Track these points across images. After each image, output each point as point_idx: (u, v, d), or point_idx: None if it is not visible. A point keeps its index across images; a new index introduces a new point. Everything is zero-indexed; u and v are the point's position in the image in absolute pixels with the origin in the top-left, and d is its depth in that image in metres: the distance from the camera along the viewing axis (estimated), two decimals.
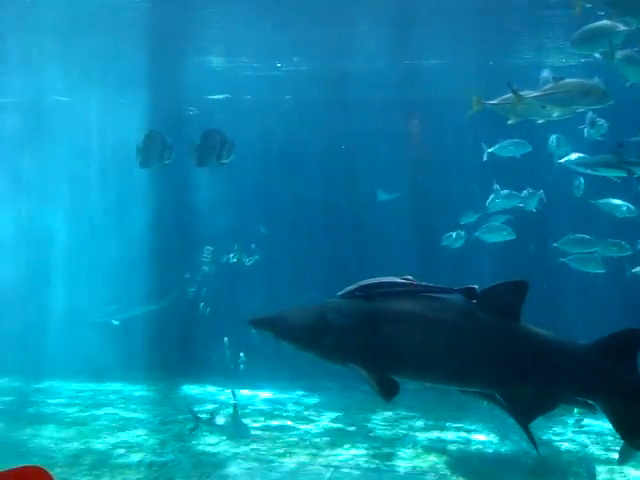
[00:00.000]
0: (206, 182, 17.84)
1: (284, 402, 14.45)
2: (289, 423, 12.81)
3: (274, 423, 12.79)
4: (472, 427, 12.38)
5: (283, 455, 10.84)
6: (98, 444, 11.45)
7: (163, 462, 10.40)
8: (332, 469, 10.15)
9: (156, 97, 17.98)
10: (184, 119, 18.77)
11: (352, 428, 12.47)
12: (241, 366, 15.22)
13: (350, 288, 5.31)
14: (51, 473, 1.92)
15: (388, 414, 13.29)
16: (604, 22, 8.44)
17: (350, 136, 17.88)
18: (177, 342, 17.25)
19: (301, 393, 15.07)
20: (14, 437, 11.78)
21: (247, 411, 13.46)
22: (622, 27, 8.12)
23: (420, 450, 11.07)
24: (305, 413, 13.56)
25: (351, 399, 14.12)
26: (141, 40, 15.60)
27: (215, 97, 18.94)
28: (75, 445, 11.36)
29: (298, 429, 12.40)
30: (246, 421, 11.68)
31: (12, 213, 18.80)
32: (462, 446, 11.33)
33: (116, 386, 15.85)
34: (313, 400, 14.62)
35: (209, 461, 10.43)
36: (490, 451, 11.16)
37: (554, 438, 11.86)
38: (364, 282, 5.31)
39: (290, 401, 14.55)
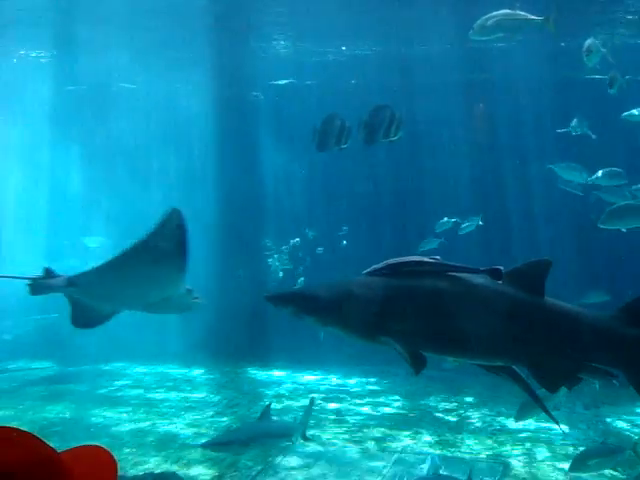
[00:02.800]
0: (281, 167, 17.93)
1: (348, 387, 14.47)
2: (353, 408, 12.82)
3: (338, 407, 12.82)
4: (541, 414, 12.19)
5: (347, 440, 10.86)
6: (165, 426, 11.64)
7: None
8: (396, 455, 10.13)
9: (220, 83, 18.10)
10: (249, 104, 18.86)
11: (416, 413, 12.42)
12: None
13: (377, 266, 5.32)
14: (110, 452, 1.94)
15: (453, 400, 13.20)
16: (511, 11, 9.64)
17: (415, 120, 17.70)
18: (245, 325, 17.36)
19: (366, 378, 15.07)
20: (84, 418, 12.07)
21: (312, 395, 13.53)
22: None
23: (484, 437, 10.96)
24: (369, 398, 13.55)
25: (416, 385, 14.06)
26: (205, 26, 15.72)
27: (279, 82, 18.98)
28: (142, 426, 11.58)
29: (362, 414, 12.41)
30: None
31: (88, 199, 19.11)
32: (530, 434, 11.17)
33: (182, 369, 16.10)
34: (378, 385, 14.60)
35: (274, 444, 10.50)
36: (555, 439, 10.99)
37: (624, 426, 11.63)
38: (391, 260, 5.32)
39: (355, 386, 14.56)
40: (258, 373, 15.82)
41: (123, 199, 18.62)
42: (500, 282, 5.14)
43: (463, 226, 14.15)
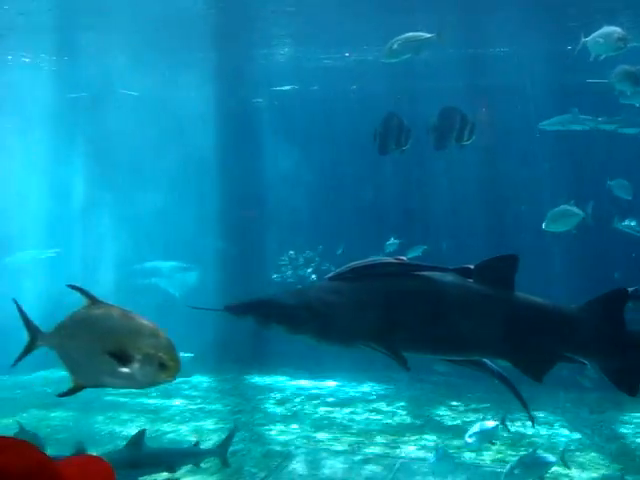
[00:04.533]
0: (283, 173, 17.91)
1: (351, 393, 14.45)
2: (356, 414, 12.80)
3: (341, 413, 12.80)
4: (542, 419, 12.18)
5: (351, 446, 10.84)
6: (169, 432, 11.64)
7: (232, 451, 10.48)
8: (400, 460, 10.11)
9: (223, 89, 18.13)
10: (251, 110, 18.88)
11: (420, 419, 12.39)
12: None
13: (341, 270, 5.30)
14: (106, 460, 1.96)
15: (457, 405, 13.18)
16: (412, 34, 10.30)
17: (418, 125, 17.67)
18: (248, 332, 17.30)
19: (369, 384, 15.04)
20: (87, 425, 12.06)
21: (316, 401, 13.52)
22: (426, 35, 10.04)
23: (490, 442, 10.93)
24: (373, 404, 13.53)
25: (420, 390, 14.05)
26: (207, 32, 15.75)
27: (282, 88, 18.99)
28: (146, 433, 11.55)
29: (366, 420, 12.39)
30: (316, 410, 11.78)
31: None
32: (534, 439, 11.14)
33: (185, 376, 16.07)
34: (382, 391, 14.57)
35: (278, 451, 10.50)
36: (560, 441, 10.96)
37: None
38: (355, 263, 5.32)
39: (358, 392, 14.54)
40: (261, 379, 15.80)
41: (125, 205, 18.64)
42: (470, 280, 5.23)
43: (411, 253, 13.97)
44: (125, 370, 3.43)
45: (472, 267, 5.23)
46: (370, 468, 9.86)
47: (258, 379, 15.85)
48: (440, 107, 8.45)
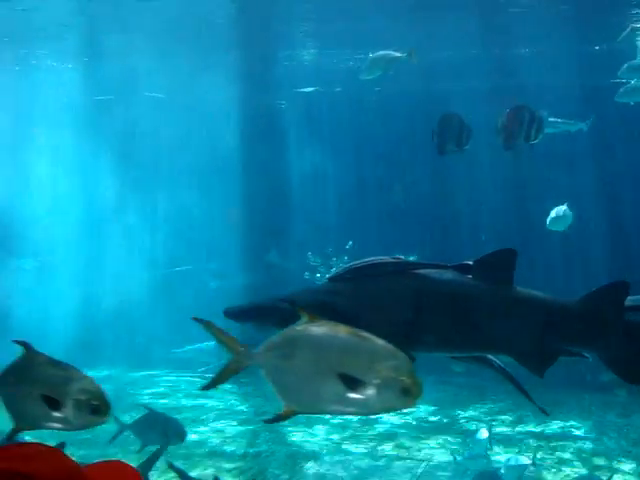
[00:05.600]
0: (307, 175, 17.92)
1: None
2: (380, 415, 12.76)
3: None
4: (569, 422, 12.07)
5: (374, 448, 10.81)
6: (192, 433, 11.65)
7: (256, 452, 10.50)
8: (424, 464, 10.06)
9: (248, 91, 18.17)
10: (274, 112, 18.90)
11: (444, 422, 12.33)
12: None
13: (340, 271, 5.31)
14: (133, 466, 1.96)
15: (482, 408, 13.10)
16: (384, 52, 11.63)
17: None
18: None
19: None
20: (110, 426, 12.09)
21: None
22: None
23: (512, 445, 10.85)
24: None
25: (444, 392, 13.96)
26: (232, 34, 15.80)
27: (305, 90, 19.01)
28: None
29: (390, 422, 12.34)
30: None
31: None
32: (560, 442, 11.04)
33: (210, 377, 16.08)
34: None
35: (302, 452, 10.49)
36: (587, 446, 10.86)
37: None
38: (354, 264, 5.33)
39: None
40: None
41: (151, 206, 18.75)
42: (469, 276, 5.25)
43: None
44: (357, 396, 3.11)
45: (471, 263, 5.27)
46: (393, 470, 9.83)
47: None
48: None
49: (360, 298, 5.17)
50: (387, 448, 10.81)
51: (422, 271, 5.31)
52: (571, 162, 16.34)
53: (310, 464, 9.98)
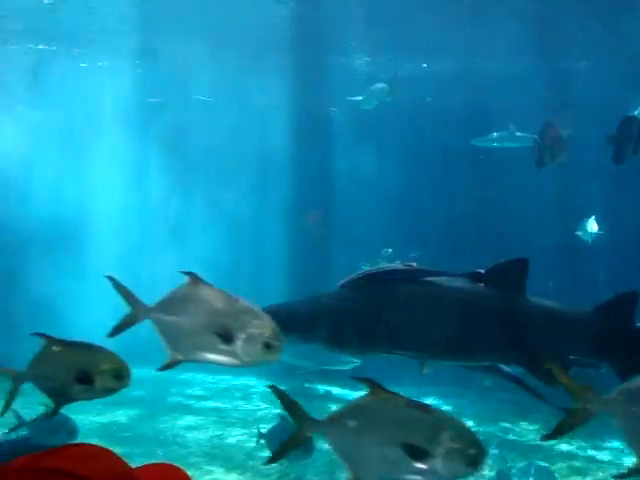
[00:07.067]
0: (357, 182, 17.91)
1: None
2: None
3: None
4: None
5: None
6: (231, 436, 11.70)
7: (293, 456, 10.46)
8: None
9: (299, 96, 18.23)
10: (325, 120, 18.93)
11: (484, 437, 12.16)
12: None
13: (352, 277, 5.29)
14: (184, 470, 1.97)
15: (523, 423, 12.91)
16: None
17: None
18: None
19: (431, 398, 14.83)
20: (152, 425, 12.21)
21: None
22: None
23: (558, 463, 10.68)
24: None
25: (485, 406, 13.80)
26: (285, 41, 15.88)
27: (354, 98, 18.97)
28: (210, 435, 11.67)
29: None
30: None
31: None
32: (608, 464, 10.80)
33: (250, 380, 16.14)
34: (445, 406, 14.37)
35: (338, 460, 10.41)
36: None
37: None
38: (365, 270, 5.31)
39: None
40: (322, 387, 15.72)
41: (200, 210, 18.91)
42: (481, 284, 5.14)
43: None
44: (228, 348, 3.53)
45: (483, 272, 5.22)
46: None
47: (319, 387, 15.79)
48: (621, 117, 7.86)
49: (369, 304, 5.16)
50: None
51: (433, 278, 5.28)
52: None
53: (344, 474, 9.91)
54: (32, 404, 5.13)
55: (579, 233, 13.55)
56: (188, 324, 3.64)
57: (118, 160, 19.05)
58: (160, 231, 18.95)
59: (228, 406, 13.80)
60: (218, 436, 11.68)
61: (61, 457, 1.72)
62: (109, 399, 12.16)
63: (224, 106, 19.06)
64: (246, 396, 14.73)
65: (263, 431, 8.96)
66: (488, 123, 16.85)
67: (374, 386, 3.41)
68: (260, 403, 14.24)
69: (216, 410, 13.44)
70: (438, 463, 3.18)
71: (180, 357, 3.78)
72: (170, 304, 3.78)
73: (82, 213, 18.34)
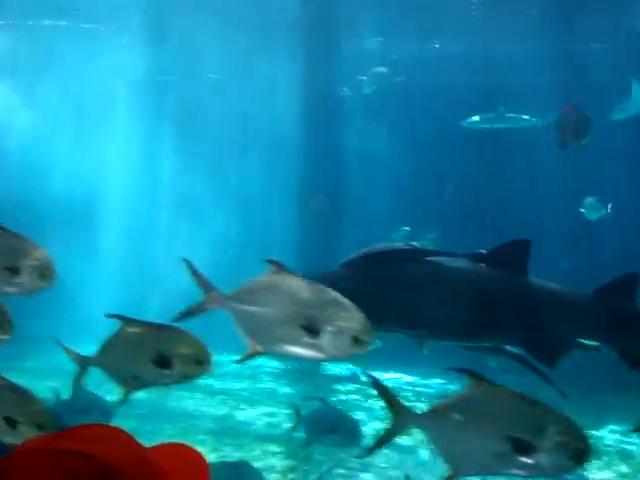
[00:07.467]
0: (368, 163, 17.84)
1: (425, 388, 14.22)
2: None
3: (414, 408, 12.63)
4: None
5: (421, 442, 10.69)
6: (240, 415, 11.75)
7: (303, 437, 10.50)
8: None
9: (309, 76, 18.14)
10: (336, 99, 18.84)
11: None
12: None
13: (353, 257, 5.28)
14: (198, 450, 1.96)
15: None
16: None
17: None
18: None
19: (446, 378, 14.71)
20: (164, 403, 12.26)
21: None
22: None
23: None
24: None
25: None
26: (297, 20, 15.80)
27: (371, 71, 18.83)
28: (219, 414, 11.73)
29: None
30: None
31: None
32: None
33: (261, 360, 16.14)
34: (453, 387, 14.35)
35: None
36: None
37: None
38: (368, 250, 5.30)
39: (433, 387, 14.26)
40: (333, 368, 15.72)
41: (207, 192, 18.90)
42: (483, 265, 5.16)
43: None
44: (313, 341, 3.38)
45: (484, 252, 5.21)
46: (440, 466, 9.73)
47: (330, 367, 15.79)
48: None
49: (367, 284, 5.14)
50: None
51: (433, 258, 5.27)
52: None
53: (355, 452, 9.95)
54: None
55: (583, 210, 13.75)
56: (271, 315, 3.48)
57: (130, 138, 19.04)
58: (171, 210, 18.97)
59: (237, 386, 13.83)
60: (227, 415, 11.73)
61: (75, 439, 1.68)
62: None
63: (235, 85, 18.99)
64: (254, 376, 14.75)
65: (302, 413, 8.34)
66: (500, 104, 16.76)
67: (476, 377, 3.39)
68: (268, 382, 14.29)
69: (225, 389, 13.48)
70: (543, 457, 3.10)
71: (260, 349, 3.63)
72: (250, 293, 3.60)
73: (96, 193, 18.38)
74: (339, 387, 14.13)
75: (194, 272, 3.73)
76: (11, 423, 3.67)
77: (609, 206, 13.73)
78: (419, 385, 14.42)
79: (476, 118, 15.07)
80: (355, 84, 18.55)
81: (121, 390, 3.96)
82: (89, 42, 18.35)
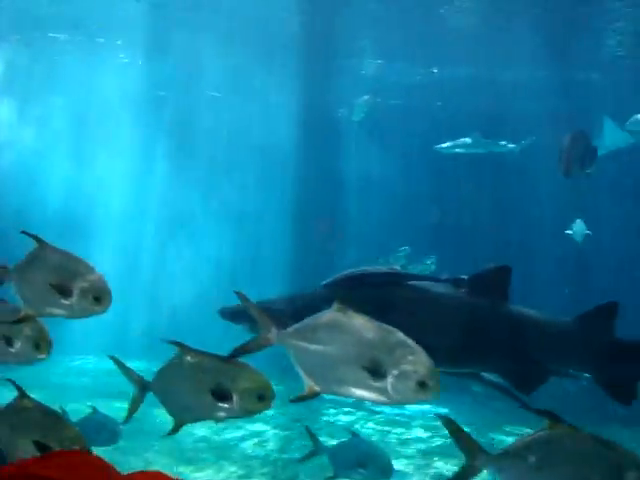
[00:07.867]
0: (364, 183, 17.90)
1: (408, 412, 14.19)
2: (415, 435, 12.63)
3: (400, 433, 12.62)
4: None
5: (411, 467, 10.65)
6: (226, 434, 11.67)
7: (288, 459, 10.44)
8: None
9: (307, 96, 18.23)
10: (333, 119, 18.92)
11: (483, 444, 12.08)
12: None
13: (336, 278, 5.26)
14: (173, 475, 1.95)
15: (516, 431, 12.85)
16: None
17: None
18: None
19: (427, 403, 14.70)
20: (149, 419, 12.14)
21: (376, 417, 13.38)
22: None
23: None
24: (432, 424, 13.30)
25: (481, 414, 13.75)
26: (295, 41, 15.88)
27: (359, 100, 18.94)
28: (205, 433, 11.62)
29: (425, 441, 12.21)
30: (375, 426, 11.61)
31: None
32: None
33: None
34: (441, 411, 14.30)
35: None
36: None
37: None
38: (349, 272, 5.28)
39: (415, 411, 14.27)
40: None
41: (203, 207, 18.91)
42: (463, 290, 5.21)
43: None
44: (377, 384, 3.23)
45: (465, 278, 5.20)
46: None
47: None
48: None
49: (361, 307, 5.12)
50: (423, 468, 10.65)
51: (414, 282, 5.25)
52: None
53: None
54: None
55: (569, 232, 13.98)
56: (333, 354, 3.33)
57: (129, 151, 19.08)
58: (167, 225, 18.97)
59: None
60: (213, 433, 11.64)
61: (50, 465, 1.77)
62: (103, 391, 12.09)
63: (233, 102, 19.07)
64: None
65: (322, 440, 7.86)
66: (498, 128, 16.84)
67: (554, 419, 3.23)
68: None
69: None
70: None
71: (318, 389, 3.48)
72: (312, 331, 3.48)
73: (93, 205, 18.40)
74: (330, 410, 14.07)
75: (251, 306, 3.61)
76: (42, 448, 3.49)
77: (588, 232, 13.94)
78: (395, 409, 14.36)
79: (449, 143, 15.23)
80: (352, 106, 18.66)
81: (173, 420, 3.88)
82: (92, 56, 18.41)
